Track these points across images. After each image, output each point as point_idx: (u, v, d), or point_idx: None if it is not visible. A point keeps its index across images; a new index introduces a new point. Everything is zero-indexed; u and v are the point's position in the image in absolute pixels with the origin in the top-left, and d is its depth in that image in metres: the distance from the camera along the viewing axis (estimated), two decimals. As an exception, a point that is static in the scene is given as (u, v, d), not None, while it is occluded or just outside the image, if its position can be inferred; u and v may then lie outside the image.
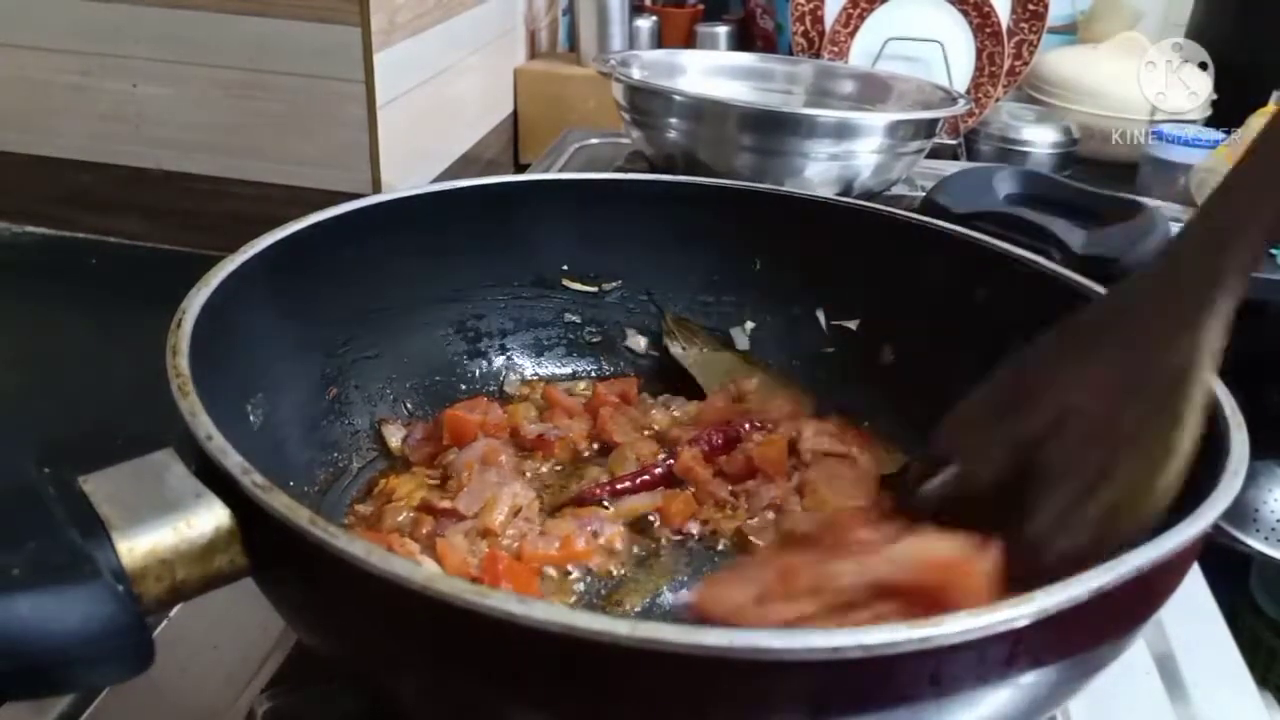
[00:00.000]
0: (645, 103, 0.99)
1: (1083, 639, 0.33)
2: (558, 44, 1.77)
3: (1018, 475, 0.39)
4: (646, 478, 0.55)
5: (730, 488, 0.55)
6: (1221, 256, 0.37)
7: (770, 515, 0.53)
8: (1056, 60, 1.46)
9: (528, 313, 0.66)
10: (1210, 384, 0.37)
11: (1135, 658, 0.53)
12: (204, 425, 0.35)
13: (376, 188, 1.21)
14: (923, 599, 0.35)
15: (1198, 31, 1.40)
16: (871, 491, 0.55)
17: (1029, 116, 1.37)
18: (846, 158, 0.93)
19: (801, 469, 0.56)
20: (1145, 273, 0.40)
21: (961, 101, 1.04)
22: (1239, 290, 0.37)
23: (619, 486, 0.55)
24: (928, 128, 0.98)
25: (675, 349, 0.66)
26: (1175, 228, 0.89)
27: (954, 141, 1.26)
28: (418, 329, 0.62)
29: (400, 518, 0.52)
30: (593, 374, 0.66)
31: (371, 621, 0.32)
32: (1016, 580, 0.34)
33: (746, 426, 0.58)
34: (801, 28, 1.44)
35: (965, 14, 1.36)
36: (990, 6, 1.35)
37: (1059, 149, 1.33)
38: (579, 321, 0.67)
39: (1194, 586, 0.59)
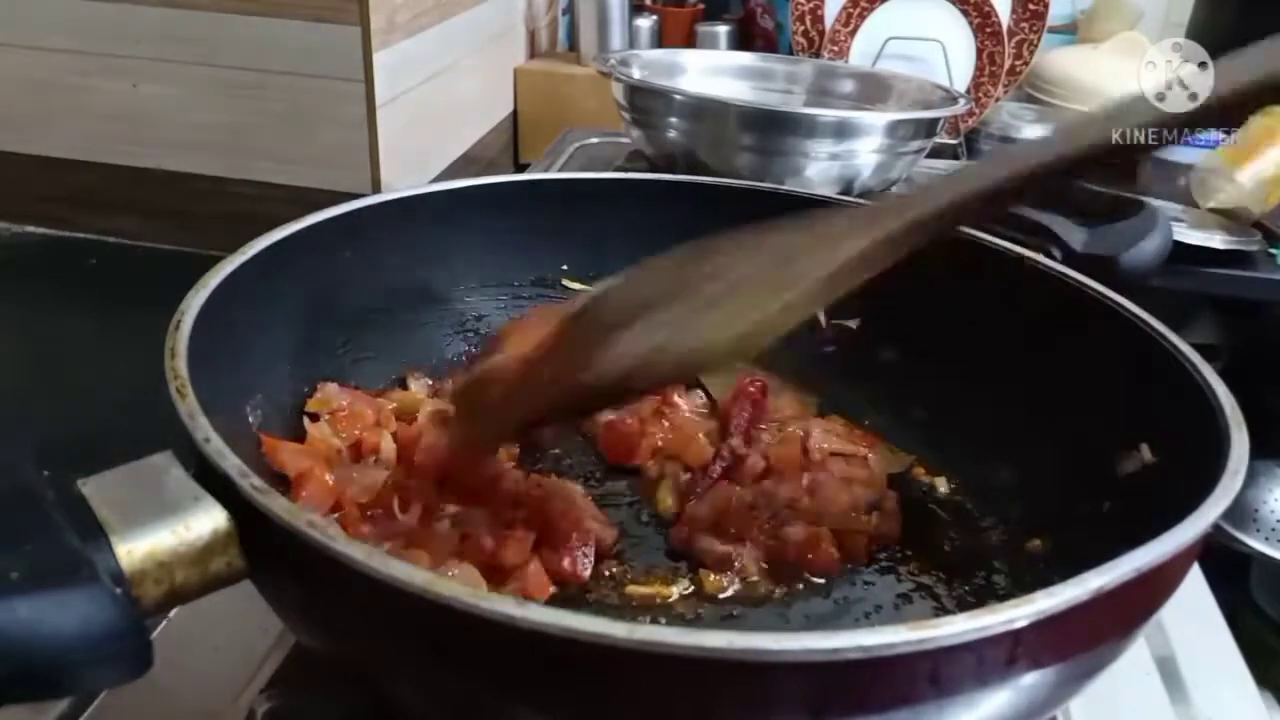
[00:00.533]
0: (645, 102, 0.99)
1: (1083, 639, 0.33)
2: (558, 43, 1.77)
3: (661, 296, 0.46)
4: None
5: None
6: (878, 221, 0.45)
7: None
8: (1057, 60, 1.46)
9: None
10: (817, 301, 0.47)
11: (1135, 658, 0.53)
12: (202, 427, 0.35)
13: (376, 187, 1.21)
14: None
15: (1198, 31, 1.40)
16: (880, 490, 0.55)
17: (1029, 116, 1.37)
18: (847, 157, 0.93)
19: (811, 469, 0.56)
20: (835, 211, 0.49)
21: (962, 101, 1.03)
22: (880, 248, 0.45)
23: None
24: (928, 127, 0.98)
25: None
26: (1175, 227, 0.90)
27: (954, 141, 1.26)
28: (417, 329, 0.62)
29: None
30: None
31: (370, 623, 0.32)
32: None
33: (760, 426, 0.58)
34: (802, 27, 1.44)
35: (965, 13, 1.36)
36: (991, 6, 1.35)
37: (1059, 148, 1.33)
38: (579, 322, 0.67)
39: (1194, 586, 0.59)
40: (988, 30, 1.36)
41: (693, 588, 0.49)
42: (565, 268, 0.66)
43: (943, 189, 0.45)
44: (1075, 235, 0.73)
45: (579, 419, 0.57)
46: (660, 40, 1.64)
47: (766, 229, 0.48)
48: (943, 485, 0.57)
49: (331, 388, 0.55)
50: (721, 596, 0.48)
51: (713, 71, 1.14)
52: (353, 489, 0.49)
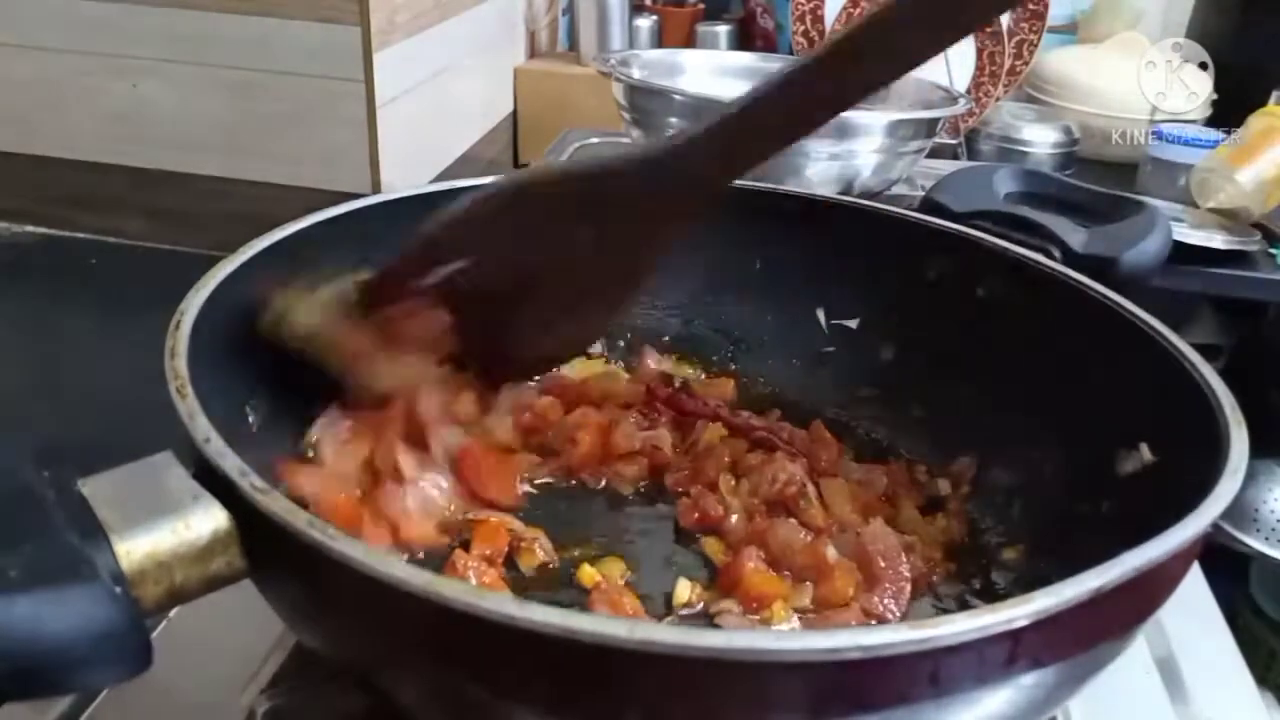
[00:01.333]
0: (645, 102, 0.99)
1: (1082, 639, 0.33)
2: (558, 44, 1.77)
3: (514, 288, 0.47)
4: None
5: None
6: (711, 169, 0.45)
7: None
8: (1057, 60, 1.46)
9: (527, 313, 0.65)
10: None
11: (1135, 658, 0.53)
12: (202, 427, 0.35)
13: (376, 188, 1.21)
14: None
15: (1198, 31, 1.40)
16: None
17: (1029, 116, 1.37)
18: (847, 157, 0.93)
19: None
20: (645, 158, 0.47)
21: (962, 101, 1.04)
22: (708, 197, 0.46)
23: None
24: (928, 127, 0.98)
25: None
26: (1175, 227, 0.90)
27: (954, 141, 1.26)
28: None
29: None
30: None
31: (370, 623, 0.32)
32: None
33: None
34: (802, 27, 1.44)
35: (965, 13, 1.36)
36: (990, 6, 1.35)
37: (1059, 149, 1.33)
38: (579, 322, 0.67)
39: (1194, 586, 0.59)
40: (988, 30, 1.36)
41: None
42: (565, 268, 0.66)
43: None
44: (1075, 235, 0.73)
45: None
46: (660, 40, 1.65)
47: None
48: (944, 486, 0.57)
49: (321, 424, 0.53)
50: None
51: (713, 71, 1.14)
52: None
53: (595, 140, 1.24)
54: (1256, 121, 1.07)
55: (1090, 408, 0.50)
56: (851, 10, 1.38)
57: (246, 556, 0.34)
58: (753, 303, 0.66)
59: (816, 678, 0.29)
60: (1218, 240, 0.99)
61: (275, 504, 0.31)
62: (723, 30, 1.61)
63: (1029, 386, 0.54)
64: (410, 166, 1.28)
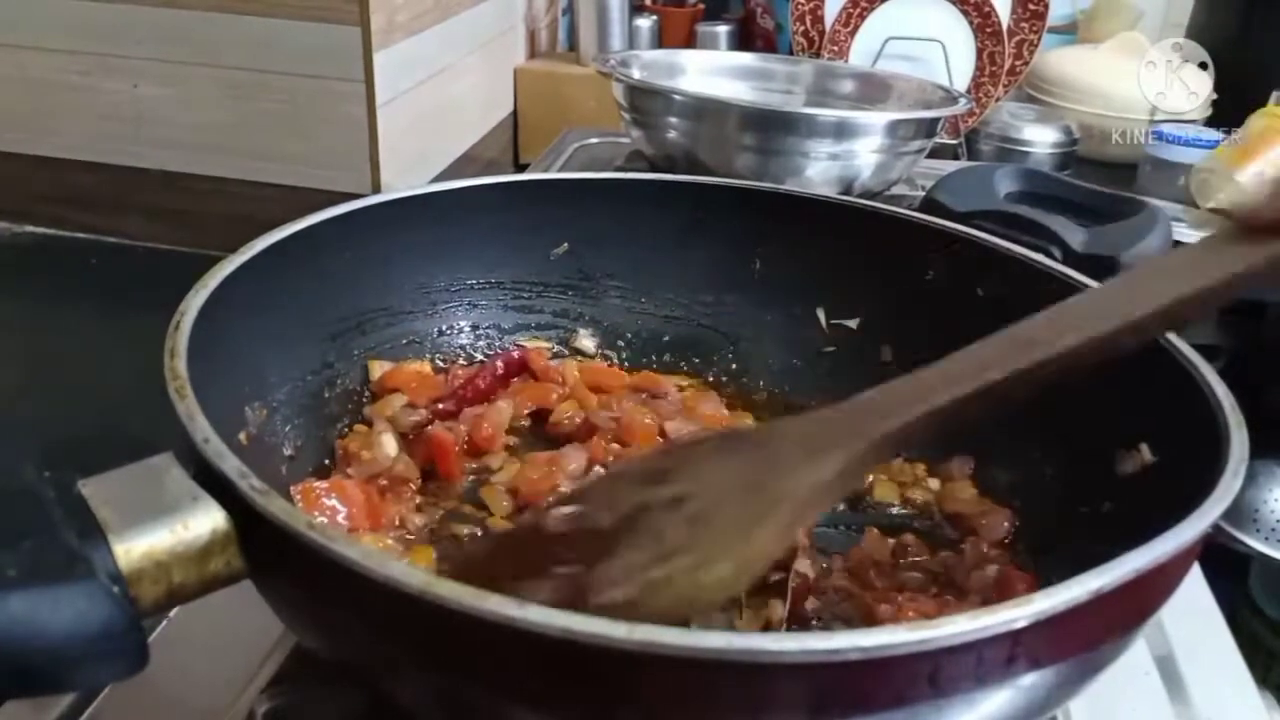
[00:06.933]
0: (645, 102, 0.99)
1: (1082, 640, 0.33)
2: (558, 44, 1.77)
3: (620, 528, 0.39)
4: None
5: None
6: (862, 429, 0.41)
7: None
8: (1057, 60, 1.46)
9: (527, 313, 0.66)
10: (801, 524, 0.40)
11: (1135, 658, 0.53)
12: (201, 428, 0.35)
13: (376, 188, 1.21)
14: None
15: (1198, 31, 1.40)
16: None
17: (1029, 116, 1.37)
18: (847, 157, 0.93)
19: None
20: (810, 415, 0.43)
21: (962, 101, 1.04)
22: (865, 458, 0.40)
23: None
24: (928, 127, 0.98)
25: None
26: (1175, 227, 0.90)
27: (954, 141, 1.26)
28: (416, 329, 0.62)
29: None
30: (592, 374, 0.66)
31: (369, 625, 0.32)
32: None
33: None
34: (801, 27, 1.44)
35: (965, 13, 1.36)
36: (990, 6, 1.35)
37: (1059, 149, 1.33)
38: (579, 321, 0.67)
39: (1194, 586, 0.59)
40: (988, 30, 1.36)
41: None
42: (565, 267, 0.66)
43: (934, 379, 0.40)
44: (1075, 235, 0.73)
45: None
46: (660, 40, 1.64)
47: (742, 433, 0.45)
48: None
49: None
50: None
51: (713, 71, 1.14)
52: None
53: (595, 140, 1.24)
54: (1256, 122, 1.07)
55: (1090, 408, 0.50)
56: (851, 10, 1.38)
57: (245, 557, 0.34)
58: (753, 303, 0.66)
59: (816, 679, 0.29)
60: (1218, 240, 0.99)
61: (274, 505, 0.31)
62: (723, 30, 1.61)
63: (1029, 386, 0.54)
64: (410, 166, 1.28)
